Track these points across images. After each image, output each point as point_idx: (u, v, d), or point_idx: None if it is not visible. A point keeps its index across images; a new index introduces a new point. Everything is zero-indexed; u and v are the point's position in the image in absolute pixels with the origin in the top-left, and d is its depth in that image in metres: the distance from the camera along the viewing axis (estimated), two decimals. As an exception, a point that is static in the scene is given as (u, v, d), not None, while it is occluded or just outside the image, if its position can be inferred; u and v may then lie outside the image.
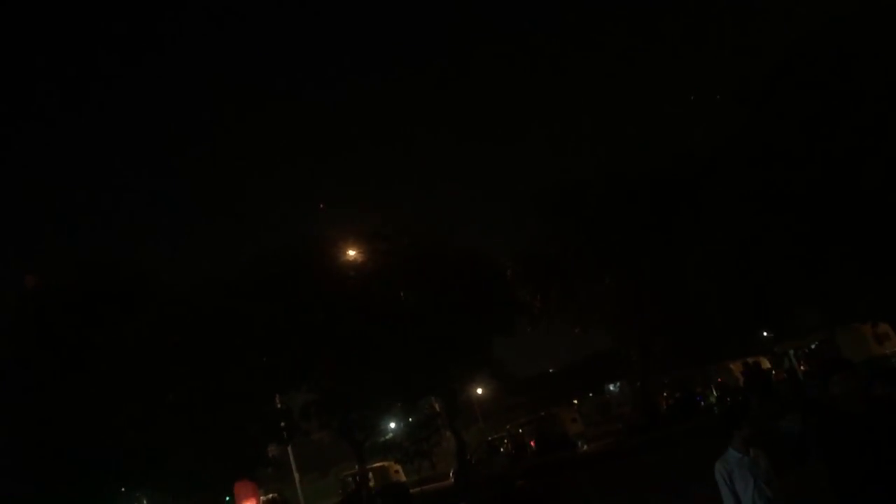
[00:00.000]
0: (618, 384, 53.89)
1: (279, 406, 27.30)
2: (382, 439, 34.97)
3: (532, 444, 33.02)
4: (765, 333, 34.72)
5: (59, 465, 24.22)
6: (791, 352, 29.23)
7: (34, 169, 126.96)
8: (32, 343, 23.93)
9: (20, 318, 25.19)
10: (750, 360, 30.53)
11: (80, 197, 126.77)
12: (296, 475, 33.91)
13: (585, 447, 32.22)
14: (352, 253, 26.62)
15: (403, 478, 33.14)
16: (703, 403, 32.33)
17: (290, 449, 32.79)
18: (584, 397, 53.86)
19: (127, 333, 21.68)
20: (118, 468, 25.46)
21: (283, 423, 26.87)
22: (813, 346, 28.31)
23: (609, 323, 34.52)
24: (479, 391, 49.51)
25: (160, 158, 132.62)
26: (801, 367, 28.57)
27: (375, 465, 32.78)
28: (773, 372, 31.19)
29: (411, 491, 32.88)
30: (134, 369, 21.60)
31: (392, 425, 36.93)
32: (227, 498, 26.53)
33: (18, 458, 24.81)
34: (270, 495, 33.14)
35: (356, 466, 31.75)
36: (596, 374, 52.68)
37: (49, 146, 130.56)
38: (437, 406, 32.79)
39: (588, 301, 33.37)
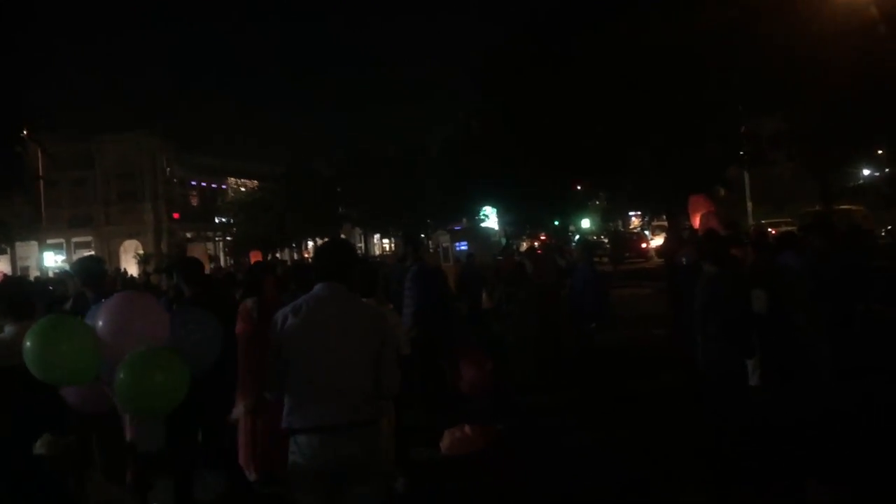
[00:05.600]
0: None
1: (742, 130, 26.01)
2: (853, 183, 31.89)
3: None
4: None
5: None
6: None
7: None
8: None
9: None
10: None
11: None
12: (748, 203, 33.16)
13: None
14: None
15: (872, 225, 30.09)
16: None
17: (746, 175, 31.85)
18: None
19: (610, 37, 21.68)
20: (577, 166, 27.39)
21: (743, 152, 25.73)
22: None
23: None
24: None
25: None
26: None
27: (841, 206, 30.17)
28: None
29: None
30: (611, 72, 21.89)
31: (866, 172, 33.64)
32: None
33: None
34: None
35: (816, 206, 29.67)
36: None
37: None
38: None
39: None
